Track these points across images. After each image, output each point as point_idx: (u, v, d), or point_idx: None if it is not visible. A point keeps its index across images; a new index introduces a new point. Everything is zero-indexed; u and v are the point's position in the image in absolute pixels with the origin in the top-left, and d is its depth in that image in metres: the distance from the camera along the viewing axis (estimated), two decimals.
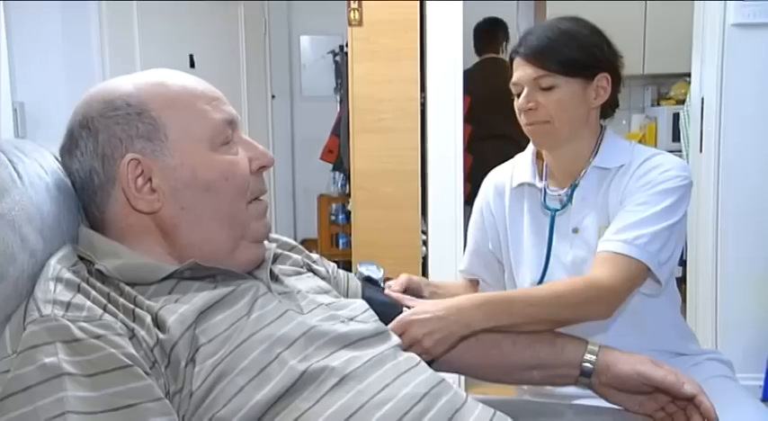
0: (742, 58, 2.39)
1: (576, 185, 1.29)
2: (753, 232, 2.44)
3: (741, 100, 2.41)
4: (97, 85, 0.85)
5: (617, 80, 1.29)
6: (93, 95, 0.83)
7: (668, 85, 4.26)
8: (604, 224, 1.23)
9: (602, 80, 1.26)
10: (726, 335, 2.45)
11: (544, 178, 1.34)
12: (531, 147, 1.38)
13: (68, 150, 0.84)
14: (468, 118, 3.34)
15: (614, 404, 1.03)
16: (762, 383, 2.43)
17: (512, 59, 1.30)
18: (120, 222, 0.82)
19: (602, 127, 1.33)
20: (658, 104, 4.32)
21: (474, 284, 1.48)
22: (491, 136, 3.29)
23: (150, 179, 0.80)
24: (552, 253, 1.30)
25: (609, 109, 1.32)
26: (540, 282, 1.30)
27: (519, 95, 1.28)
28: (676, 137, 3.59)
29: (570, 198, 1.29)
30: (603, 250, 1.17)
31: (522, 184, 1.35)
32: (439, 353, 1.02)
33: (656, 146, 4.06)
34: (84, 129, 0.82)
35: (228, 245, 0.84)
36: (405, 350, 0.90)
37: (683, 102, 3.34)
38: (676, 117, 3.62)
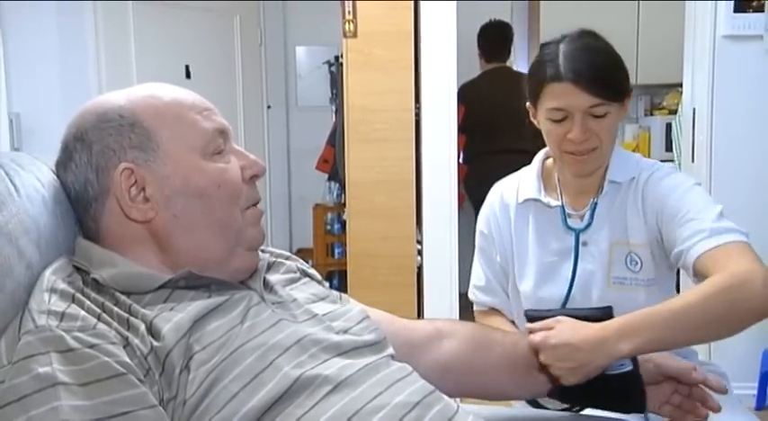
0: (732, 69, 2.42)
1: (596, 203, 1.28)
2: None
3: (732, 110, 2.43)
4: (91, 99, 0.87)
5: None
6: (87, 109, 0.85)
7: (661, 95, 4.29)
8: (618, 240, 1.22)
9: (627, 99, 1.27)
10: (719, 345, 2.45)
11: (559, 196, 1.32)
12: (536, 162, 1.37)
13: (63, 163, 0.85)
14: (469, 130, 3.30)
15: None
16: (755, 393, 2.44)
17: (542, 83, 1.22)
18: (115, 232, 0.83)
19: None
20: (651, 114, 4.34)
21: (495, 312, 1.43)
22: (495, 151, 3.22)
23: (144, 188, 0.81)
24: (564, 267, 1.29)
25: None
26: (566, 300, 1.28)
27: (558, 121, 1.22)
28: (669, 146, 3.61)
29: (593, 216, 1.28)
30: (703, 252, 1.13)
31: (527, 200, 1.34)
32: (572, 382, 1.00)
33: (649, 155, 4.08)
34: (78, 141, 0.83)
35: (223, 252, 0.84)
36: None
37: (675, 112, 3.37)
38: (669, 127, 3.64)
